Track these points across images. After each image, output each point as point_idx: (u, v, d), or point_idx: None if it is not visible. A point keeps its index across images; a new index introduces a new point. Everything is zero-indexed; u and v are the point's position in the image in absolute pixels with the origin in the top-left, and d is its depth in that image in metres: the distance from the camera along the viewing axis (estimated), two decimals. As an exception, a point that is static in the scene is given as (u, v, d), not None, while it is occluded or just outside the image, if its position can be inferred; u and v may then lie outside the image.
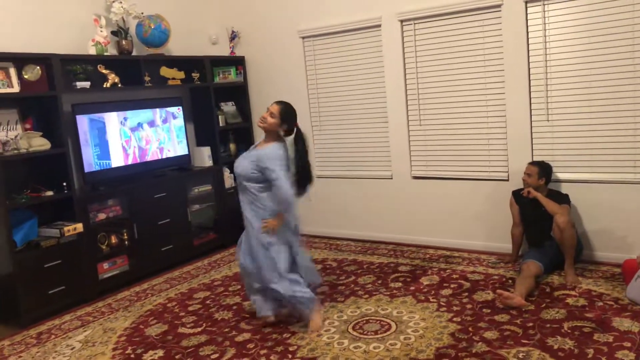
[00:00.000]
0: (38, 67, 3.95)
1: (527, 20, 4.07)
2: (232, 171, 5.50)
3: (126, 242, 4.53)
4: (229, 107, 5.68)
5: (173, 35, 4.97)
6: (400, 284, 3.94)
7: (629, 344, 2.78)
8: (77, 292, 4.10)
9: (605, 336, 2.89)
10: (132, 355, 3.18)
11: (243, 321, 3.53)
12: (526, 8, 4.06)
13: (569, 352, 2.77)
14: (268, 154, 3.18)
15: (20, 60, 3.89)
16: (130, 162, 4.61)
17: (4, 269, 3.83)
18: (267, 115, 3.25)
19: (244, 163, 3.28)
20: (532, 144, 4.19)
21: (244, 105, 5.71)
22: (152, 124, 4.81)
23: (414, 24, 4.59)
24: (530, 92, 4.14)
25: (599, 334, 2.93)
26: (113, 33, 4.62)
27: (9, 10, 4.06)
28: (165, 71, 4.96)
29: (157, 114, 4.86)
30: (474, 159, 4.50)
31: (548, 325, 3.07)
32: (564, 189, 4.04)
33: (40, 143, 3.96)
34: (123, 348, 3.30)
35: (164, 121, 4.93)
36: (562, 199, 3.88)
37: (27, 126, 4.04)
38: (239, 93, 5.70)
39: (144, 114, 4.73)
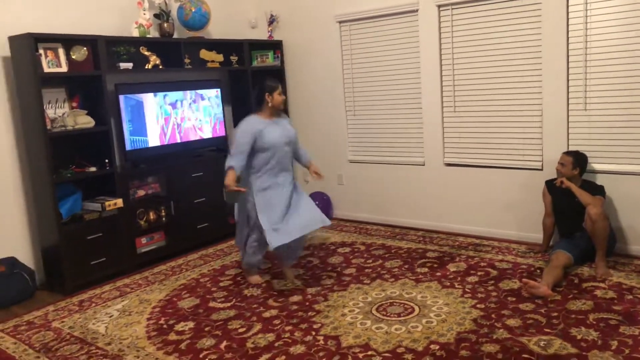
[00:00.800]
0: (85, 48, 4.13)
1: (567, 7, 3.98)
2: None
3: (163, 219, 4.71)
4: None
5: (213, 19, 5.09)
6: (426, 269, 3.98)
7: (655, 338, 2.76)
8: (116, 264, 4.31)
9: (632, 329, 2.87)
10: (165, 326, 3.35)
11: (271, 298, 3.65)
12: (567, -6, 3.97)
13: (591, 342, 2.76)
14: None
15: (68, 42, 4.08)
16: (168, 141, 4.78)
17: (51, 239, 4.06)
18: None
19: (288, 130, 3.78)
20: (568, 133, 4.12)
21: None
22: (191, 105, 4.95)
23: (452, 9, 4.55)
24: (568, 80, 4.06)
25: (625, 326, 2.90)
26: (155, 16, 4.77)
27: (58, -6, 4.26)
28: (204, 54, 5.09)
29: (197, 95, 5.00)
30: (508, 148, 4.46)
31: (573, 316, 3.06)
32: (600, 180, 3.97)
33: (85, 121, 4.16)
34: (157, 318, 3.47)
35: (203, 102, 5.06)
36: (596, 190, 3.82)
37: (74, 104, 4.25)
38: (277, 76, 5.73)
39: (183, 95, 4.88)
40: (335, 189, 5.58)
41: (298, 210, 3.69)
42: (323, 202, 5.46)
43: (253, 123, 3.70)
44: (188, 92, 4.92)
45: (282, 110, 3.90)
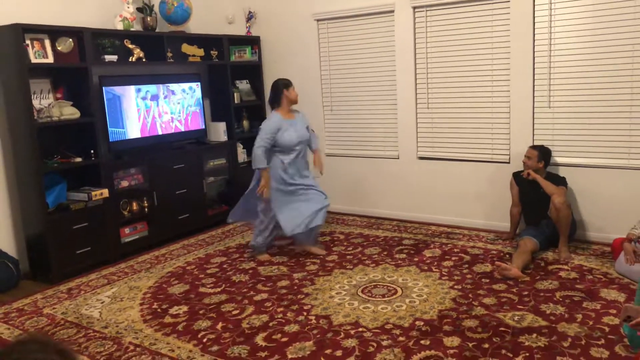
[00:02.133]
0: (70, 40, 4.17)
1: (534, 10, 4.29)
2: (245, 147, 5.78)
3: (146, 209, 4.79)
4: (243, 85, 5.90)
5: (194, 14, 5.18)
6: (404, 255, 4.22)
7: (614, 311, 3.07)
8: (101, 253, 4.37)
9: (594, 304, 3.18)
10: (159, 310, 3.46)
11: (259, 283, 3.81)
12: (534, -1, 4.29)
13: (559, 316, 3.06)
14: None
15: (55, 33, 4.11)
16: (150, 133, 4.85)
17: (36, 229, 4.09)
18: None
19: (301, 130, 4.19)
20: (533, 128, 4.45)
21: (258, 83, 5.94)
22: (172, 98, 5.03)
23: (426, 10, 4.81)
24: (534, 80, 4.38)
25: (588, 302, 3.22)
26: (139, 10, 4.83)
27: (42, -16, 4.28)
28: (186, 48, 5.18)
29: (177, 88, 5.08)
30: (478, 142, 4.76)
31: (542, 294, 3.36)
32: (562, 172, 4.31)
33: (70, 112, 4.20)
34: (149, 303, 3.58)
35: (183, 95, 5.15)
36: (560, 181, 4.15)
37: (59, 95, 4.28)
38: (254, 72, 5.92)
39: (165, 88, 4.96)
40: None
41: (308, 197, 4.19)
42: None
43: (275, 121, 4.12)
44: (170, 85, 5.00)
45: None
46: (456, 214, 4.94)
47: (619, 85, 4.06)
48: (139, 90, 4.72)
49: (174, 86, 5.04)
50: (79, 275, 4.16)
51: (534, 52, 4.35)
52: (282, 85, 4.17)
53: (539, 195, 4.10)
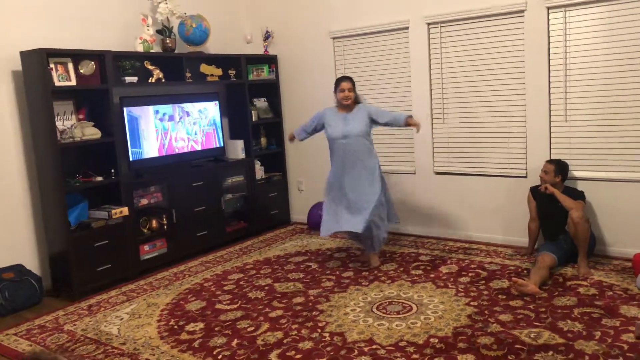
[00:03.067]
0: (92, 63, 4.31)
1: (548, 25, 4.29)
2: (262, 164, 5.85)
3: (165, 227, 4.87)
4: (261, 103, 5.99)
5: (212, 34, 5.30)
6: (420, 271, 4.21)
7: (634, 329, 3.01)
8: (121, 270, 4.45)
9: (613, 321, 3.13)
10: (176, 327, 3.51)
11: (275, 300, 3.83)
12: (548, 14, 4.28)
13: (577, 333, 3.01)
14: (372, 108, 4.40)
15: (78, 56, 4.25)
16: (170, 152, 4.95)
17: (59, 246, 4.20)
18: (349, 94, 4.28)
19: (351, 125, 4.23)
20: (550, 143, 4.41)
21: (276, 101, 6.02)
22: (190, 117, 5.14)
23: (440, 27, 4.84)
24: (549, 94, 4.36)
25: (607, 319, 3.16)
26: (158, 32, 4.96)
27: (67, 12, 4.45)
28: (204, 68, 5.29)
29: (196, 107, 5.19)
30: (494, 157, 4.74)
31: (559, 311, 3.31)
32: (580, 186, 4.26)
33: (92, 132, 4.32)
34: (167, 320, 3.63)
35: (202, 115, 5.26)
36: (578, 195, 4.10)
37: (81, 116, 4.41)
38: (271, 90, 6.00)
39: (184, 108, 5.07)
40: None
41: (350, 205, 4.24)
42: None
43: (324, 110, 4.40)
44: (188, 104, 5.11)
45: (354, 103, 4.32)
46: (474, 229, 4.91)
47: (636, 97, 4.01)
48: (157, 112, 4.83)
49: (192, 105, 5.15)
50: (100, 292, 4.25)
51: (549, 65, 4.33)
52: (334, 87, 4.35)
53: (557, 210, 4.06)
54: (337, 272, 4.31)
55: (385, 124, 4.32)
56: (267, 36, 5.94)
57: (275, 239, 5.48)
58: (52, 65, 4.06)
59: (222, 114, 5.51)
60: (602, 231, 4.26)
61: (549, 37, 4.31)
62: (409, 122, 4.21)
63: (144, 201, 4.77)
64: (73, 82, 4.20)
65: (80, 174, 4.36)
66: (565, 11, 4.22)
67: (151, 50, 4.82)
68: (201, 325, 3.51)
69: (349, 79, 4.32)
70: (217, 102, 5.41)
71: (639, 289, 3.53)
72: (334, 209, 4.32)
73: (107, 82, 4.39)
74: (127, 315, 3.76)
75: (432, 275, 4.09)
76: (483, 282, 3.89)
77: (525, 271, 4.02)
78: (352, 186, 4.23)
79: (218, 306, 3.81)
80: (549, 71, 4.34)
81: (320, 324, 3.37)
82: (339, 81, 4.32)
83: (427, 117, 4.85)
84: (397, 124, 4.30)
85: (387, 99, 5.27)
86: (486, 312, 3.38)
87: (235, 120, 5.76)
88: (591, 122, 4.23)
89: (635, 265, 3.71)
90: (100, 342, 3.35)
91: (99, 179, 4.38)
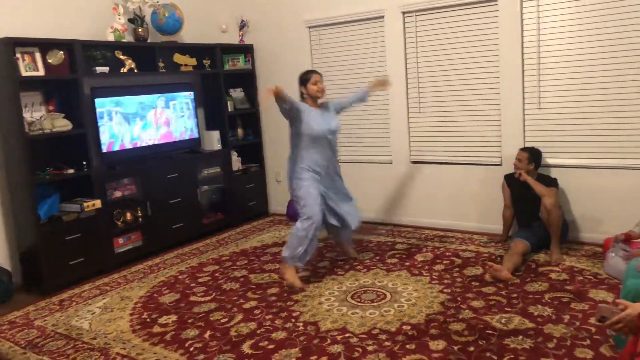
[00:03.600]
0: (61, 52, 4.22)
1: (522, 13, 4.30)
2: (239, 155, 5.80)
3: (140, 219, 4.81)
4: (237, 93, 5.93)
5: (186, 24, 5.22)
6: (396, 260, 4.22)
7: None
8: (94, 264, 4.39)
9: (582, 305, 3.17)
10: (148, 320, 3.47)
11: (250, 291, 3.81)
12: (521, 1, 4.28)
13: (547, 318, 3.04)
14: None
15: (45, 46, 4.16)
16: (143, 144, 4.88)
17: (29, 241, 4.13)
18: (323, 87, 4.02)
19: (333, 120, 4.00)
20: (524, 131, 4.44)
21: (252, 91, 5.96)
22: (165, 108, 5.07)
23: (416, 15, 4.83)
24: (523, 82, 4.38)
25: (576, 303, 3.20)
26: (130, 21, 4.88)
27: (33, -1, 4.34)
28: (178, 58, 5.22)
29: (170, 98, 5.12)
30: (470, 145, 4.75)
31: (531, 296, 3.34)
32: (553, 173, 4.29)
33: (62, 124, 4.24)
34: (139, 313, 3.59)
35: (176, 105, 5.19)
36: (551, 182, 4.13)
37: (50, 108, 4.32)
38: (247, 80, 5.95)
39: (157, 99, 4.99)
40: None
41: (339, 198, 4.10)
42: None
43: (300, 102, 3.92)
44: (162, 95, 5.04)
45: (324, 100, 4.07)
46: (449, 217, 4.93)
47: (609, 85, 4.04)
48: (130, 101, 4.76)
49: (166, 96, 5.07)
50: (73, 286, 4.19)
51: (522, 54, 4.34)
52: (299, 81, 4.01)
53: (530, 197, 4.09)
54: (314, 262, 4.30)
55: (351, 104, 4.29)
56: (242, 25, 5.88)
57: (252, 231, 5.45)
58: (18, 55, 3.97)
59: (197, 105, 5.45)
60: (574, 218, 4.31)
61: (522, 25, 4.32)
62: (372, 88, 4.23)
63: (118, 194, 4.70)
64: (41, 73, 4.11)
65: (51, 166, 4.28)
66: (538, -1, 4.23)
67: (123, 40, 4.73)
68: (174, 317, 3.47)
69: (316, 72, 4.04)
70: (191, 93, 5.34)
71: (607, 274, 3.58)
72: (321, 200, 3.96)
73: (77, 73, 4.31)
74: (99, 309, 3.72)
75: (407, 264, 4.11)
76: (457, 269, 3.91)
77: (499, 258, 4.05)
78: (335, 180, 4.15)
79: (192, 298, 3.78)
80: (522, 60, 4.35)
81: (294, 314, 3.36)
82: (310, 73, 3.98)
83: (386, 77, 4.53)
84: (363, 98, 4.29)
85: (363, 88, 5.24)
86: (459, 298, 3.40)
87: (211, 111, 5.70)
88: (564, 110, 4.26)
89: (606, 250, 3.76)
90: (71, 337, 3.31)
91: (70, 171, 4.30)
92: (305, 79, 3.97)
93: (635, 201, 3.85)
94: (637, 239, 3.50)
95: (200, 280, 4.12)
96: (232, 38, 5.90)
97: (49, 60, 4.17)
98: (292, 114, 3.82)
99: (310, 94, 3.94)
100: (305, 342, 2.98)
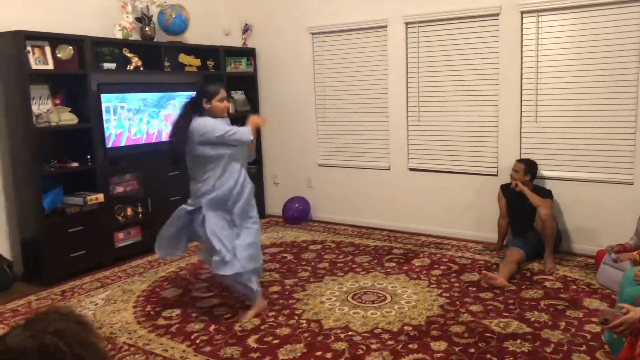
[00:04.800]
0: (70, 47, 4.26)
1: (522, 28, 4.45)
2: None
3: (140, 215, 4.84)
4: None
5: (191, 25, 5.29)
6: (394, 264, 4.31)
7: (596, 320, 3.16)
8: (95, 257, 4.41)
9: (576, 313, 3.28)
10: (152, 312, 3.52)
11: (251, 289, 3.87)
12: (522, 18, 4.43)
13: (543, 323, 3.15)
14: None
15: (55, 40, 4.20)
16: (146, 141, 4.92)
17: (32, 231, 4.14)
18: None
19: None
20: (520, 142, 4.58)
21: (253, 94, 6.03)
22: (168, 106, 5.11)
23: (418, 27, 4.95)
24: (521, 95, 4.52)
25: (571, 310, 3.32)
26: (137, 19, 4.93)
27: (44, -7, 4.38)
28: (183, 58, 5.28)
29: (174, 97, 5.17)
30: (467, 155, 4.88)
31: (527, 303, 3.46)
32: (548, 185, 4.43)
33: (68, 118, 4.27)
34: (143, 306, 3.63)
35: (180, 104, 5.23)
36: (546, 193, 4.27)
37: (57, 101, 4.35)
38: (249, 82, 6.02)
39: (161, 97, 5.04)
40: (305, 191, 5.86)
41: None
42: (304, 204, 5.74)
43: (213, 121, 3.30)
44: (166, 93, 5.09)
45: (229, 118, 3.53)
46: (445, 225, 5.04)
47: (604, 101, 4.20)
48: (135, 98, 4.80)
49: (170, 95, 5.12)
50: (73, 278, 4.20)
51: (521, 67, 4.49)
52: (203, 94, 3.36)
53: (525, 207, 4.21)
54: (313, 264, 4.38)
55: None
56: (246, 29, 5.96)
57: (249, 231, 5.50)
58: (29, 48, 4.00)
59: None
60: (567, 229, 4.45)
61: (522, 40, 4.47)
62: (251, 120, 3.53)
63: (120, 189, 4.73)
64: (50, 66, 4.14)
65: (56, 159, 4.31)
66: (538, 16, 4.38)
67: (130, 38, 4.78)
68: (178, 311, 3.52)
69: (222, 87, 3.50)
70: (194, 93, 5.38)
71: (600, 284, 3.71)
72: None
73: (85, 68, 4.35)
74: (102, 300, 3.75)
75: (405, 268, 4.20)
76: (454, 275, 4.02)
77: (494, 266, 4.17)
78: None
79: (194, 294, 3.83)
80: (521, 73, 4.50)
81: (297, 312, 3.43)
82: (217, 88, 3.39)
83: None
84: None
85: (363, 96, 5.36)
86: (457, 302, 3.50)
87: (213, 111, 5.74)
88: (560, 124, 4.41)
89: (598, 261, 3.89)
90: (75, 327, 3.33)
91: (75, 164, 4.33)
92: (212, 93, 3.35)
93: (628, 215, 4.00)
94: (632, 252, 3.62)
95: (201, 277, 4.17)
96: (236, 41, 5.98)
97: (58, 55, 4.21)
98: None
99: (216, 110, 3.36)
100: (309, 339, 3.05)
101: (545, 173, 4.49)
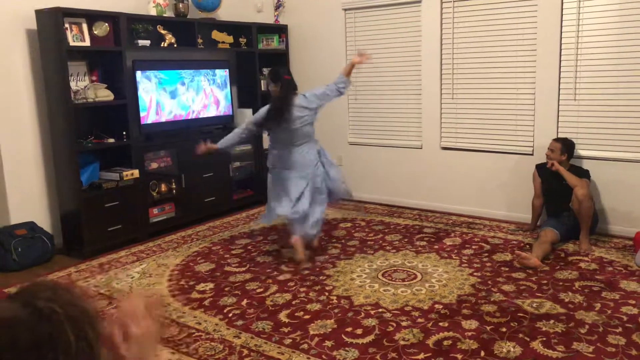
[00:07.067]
0: (106, 24, 4.31)
1: (562, 4, 4.30)
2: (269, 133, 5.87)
3: (174, 191, 4.93)
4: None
5: (224, 2, 5.28)
6: (424, 242, 4.29)
7: (633, 302, 3.11)
8: (130, 231, 4.53)
9: (613, 294, 3.22)
10: (186, 286, 3.60)
11: (283, 264, 3.92)
12: (563, -8, 4.28)
13: (578, 304, 3.10)
14: None
15: (92, 17, 4.26)
16: (181, 117, 4.98)
17: (71, 205, 4.27)
18: None
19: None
20: (557, 121, 4.46)
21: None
22: (201, 83, 5.16)
23: (453, 2, 4.84)
24: (560, 72, 4.39)
25: (607, 292, 3.26)
26: (171, -4, 4.95)
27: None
28: (216, 35, 5.30)
29: (207, 74, 5.20)
30: (502, 133, 4.79)
31: (561, 283, 3.41)
32: (585, 165, 4.32)
33: (105, 94, 4.35)
34: (177, 280, 3.72)
35: (213, 82, 5.27)
36: (583, 173, 4.17)
37: (94, 78, 4.43)
38: (281, 60, 5.99)
39: (195, 74, 5.08)
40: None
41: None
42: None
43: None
44: (199, 70, 5.12)
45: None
46: (478, 204, 4.98)
47: (647, 79, 4.05)
48: (170, 75, 4.85)
49: (203, 72, 5.16)
50: (110, 251, 4.32)
51: (560, 44, 4.35)
52: (273, 78, 4.07)
53: (561, 187, 4.13)
54: (343, 241, 4.39)
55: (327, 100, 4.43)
56: (278, 5, 5.92)
57: (280, 208, 5.55)
58: (67, 25, 4.07)
59: (231, 82, 5.53)
60: (605, 209, 4.34)
61: (562, 16, 4.32)
62: (350, 68, 4.18)
63: (154, 165, 4.82)
64: (87, 43, 4.21)
65: (92, 135, 4.40)
66: (581, -10, 4.22)
67: (164, 15, 4.81)
68: (211, 285, 3.59)
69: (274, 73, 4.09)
70: (227, 70, 5.42)
71: (638, 266, 3.62)
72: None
73: (121, 45, 4.40)
74: (137, 274, 3.85)
75: (436, 247, 4.18)
76: (486, 254, 3.98)
77: (527, 246, 4.11)
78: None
79: (227, 268, 3.90)
80: (560, 50, 4.36)
81: (327, 288, 3.46)
82: (269, 77, 4.10)
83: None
84: (340, 90, 4.38)
85: (396, 73, 5.29)
86: (489, 282, 3.47)
87: (244, 89, 5.78)
88: (600, 102, 4.27)
89: (636, 242, 3.80)
90: (113, 298, 3.44)
91: (111, 140, 4.42)
92: (277, 76, 4.01)
93: (668, 196, 3.88)
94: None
95: (233, 252, 4.24)
96: (268, 18, 5.95)
97: (95, 32, 4.27)
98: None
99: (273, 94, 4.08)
100: (340, 315, 3.08)
101: (583, 152, 4.37)
